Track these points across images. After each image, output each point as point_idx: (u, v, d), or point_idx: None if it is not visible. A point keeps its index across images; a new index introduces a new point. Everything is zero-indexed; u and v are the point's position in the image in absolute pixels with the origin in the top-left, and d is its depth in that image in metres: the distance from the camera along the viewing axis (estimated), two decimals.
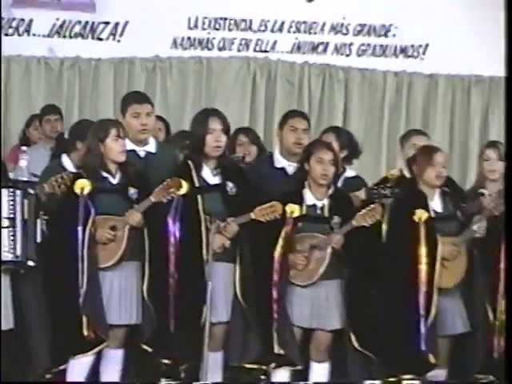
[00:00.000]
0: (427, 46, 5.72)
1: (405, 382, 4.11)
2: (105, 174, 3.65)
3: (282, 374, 3.96)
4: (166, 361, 3.95)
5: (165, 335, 3.67)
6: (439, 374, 4.06)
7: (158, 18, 5.66)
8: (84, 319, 3.45)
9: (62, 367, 3.84)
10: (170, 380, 4.11)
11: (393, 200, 4.15)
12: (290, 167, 4.18)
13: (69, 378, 3.90)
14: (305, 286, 4.07)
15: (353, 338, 4.09)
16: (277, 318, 3.88)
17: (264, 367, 3.97)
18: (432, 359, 4.03)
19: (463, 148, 5.74)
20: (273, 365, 4.02)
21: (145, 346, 3.71)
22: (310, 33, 5.79)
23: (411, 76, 5.80)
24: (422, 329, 3.98)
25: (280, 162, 4.18)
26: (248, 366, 4.10)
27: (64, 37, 5.78)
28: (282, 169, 4.21)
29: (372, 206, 3.99)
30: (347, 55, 5.84)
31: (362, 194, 4.22)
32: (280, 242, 3.91)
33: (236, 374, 4.10)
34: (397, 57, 5.82)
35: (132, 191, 3.62)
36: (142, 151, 3.83)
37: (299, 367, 3.91)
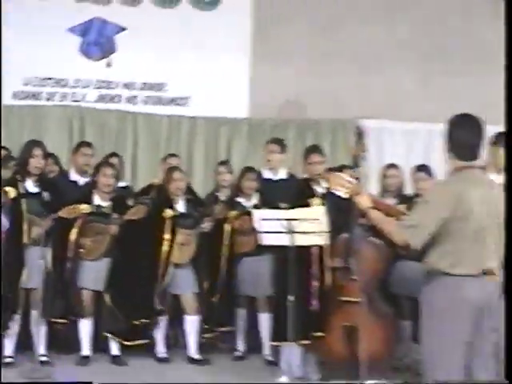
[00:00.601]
0: (189, 97, 7.63)
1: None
2: None
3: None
4: None
5: None
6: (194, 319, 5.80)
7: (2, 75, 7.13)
8: None
9: None
10: None
11: (151, 202, 5.97)
12: (81, 180, 6.01)
13: None
14: (91, 261, 5.70)
15: (107, 297, 5.72)
16: (68, 282, 5.58)
17: None
18: (159, 306, 5.76)
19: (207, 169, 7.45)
20: None
21: None
22: (109, 88, 7.55)
23: (179, 118, 7.62)
24: (157, 288, 5.65)
25: (74, 177, 6.03)
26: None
27: None
28: (75, 181, 6.02)
29: (138, 206, 5.90)
30: (135, 104, 7.64)
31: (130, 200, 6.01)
32: (75, 229, 5.58)
33: None
34: (170, 105, 7.67)
35: None
36: None
37: None
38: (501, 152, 4.60)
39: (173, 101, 7.77)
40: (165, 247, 5.78)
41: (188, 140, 7.64)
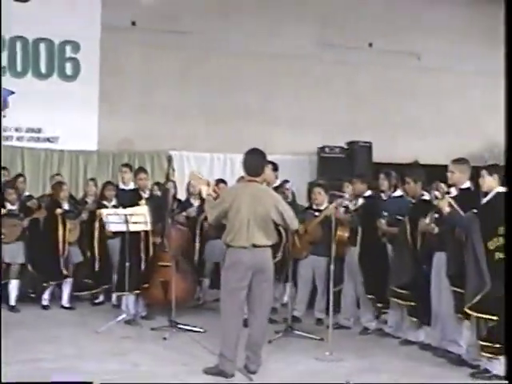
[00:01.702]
0: (59, 137, 11.22)
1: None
2: None
3: None
4: None
5: None
6: None
7: None
8: None
9: None
10: None
11: (47, 204, 9.62)
12: None
13: None
14: (8, 244, 7.96)
15: (29, 267, 8.07)
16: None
17: None
18: (65, 272, 8.08)
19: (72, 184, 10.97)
20: None
21: None
22: (5, 131, 10.90)
23: (52, 151, 11.09)
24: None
25: None
26: None
27: None
28: None
29: (41, 209, 9.58)
30: (22, 141, 10.97)
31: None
32: None
33: None
34: (45, 142, 11.14)
35: None
36: None
37: None
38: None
39: (47, 139, 11.27)
40: (60, 232, 8.15)
41: (58, 165, 11.34)
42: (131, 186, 8.21)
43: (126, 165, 8.87)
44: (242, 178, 6.09)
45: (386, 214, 7.05)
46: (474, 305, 5.68)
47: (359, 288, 7.43)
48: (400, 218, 6.91)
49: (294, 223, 5.73)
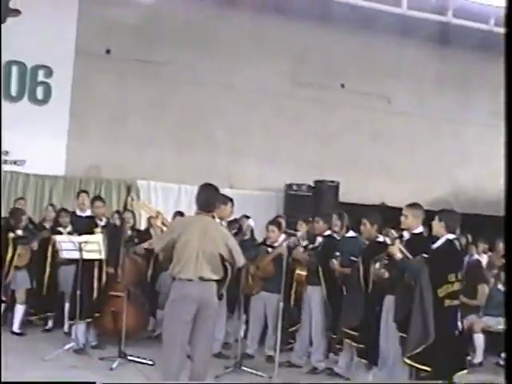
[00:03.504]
0: (25, 160, 11.19)
1: None
2: None
3: None
4: None
5: None
6: None
7: None
8: None
9: None
10: None
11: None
12: None
13: None
14: None
15: None
16: None
17: None
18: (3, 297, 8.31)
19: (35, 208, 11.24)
20: None
21: None
22: None
23: (18, 174, 11.02)
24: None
25: None
26: None
27: None
28: None
29: None
30: None
31: None
32: None
33: None
34: (12, 165, 11.07)
35: None
36: None
37: None
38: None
39: (15, 162, 11.17)
40: (9, 256, 8.01)
41: (23, 189, 11.29)
42: (88, 212, 8.09)
43: (84, 191, 8.81)
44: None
45: (338, 254, 7.07)
46: (413, 355, 5.66)
47: (315, 328, 7.38)
48: (354, 258, 6.92)
49: (241, 259, 5.73)
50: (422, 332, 5.59)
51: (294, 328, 7.66)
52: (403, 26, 12.39)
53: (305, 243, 7.52)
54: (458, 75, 14.06)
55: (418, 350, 5.60)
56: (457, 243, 5.92)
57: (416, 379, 5.69)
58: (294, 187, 12.25)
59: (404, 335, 5.94)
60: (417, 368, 5.72)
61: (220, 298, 5.49)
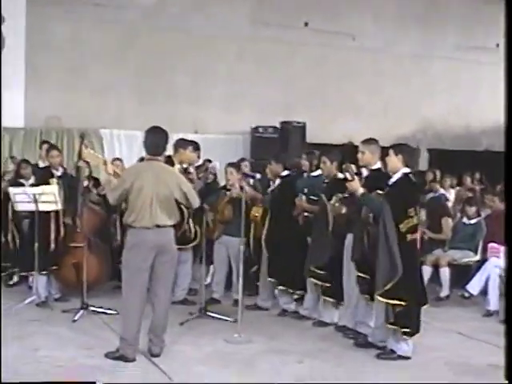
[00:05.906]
0: None
1: None
2: None
3: None
4: None
5: None
6: None
7: None
8: None
9: None
10: None
11: None
12: None
13: None
14: None
15: None
16: None
17: None
18: None
19: None
20: None
21: None
22: None
23: None
24: None
25: None
26: None
27: None
28: None
29: None
30: None
31: None
32: None
33: None
34: None
35: None
36: None
37: None
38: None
39: None
40: None
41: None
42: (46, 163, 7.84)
43: (46, 141, 8.65)
44: (142, 159, 5.90)
45: (306, 190, 6.97)
46: (384, 292, 5.60)
47: None
48: (313, 197, 6.83)
49: (196, 201, 5.62)
50: (389, 268, 5.54)
51: (253, 269, 7.55)
52: None
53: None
54: (422, 12, 13.88)
55: (388, 287, 5.55)
56: (412, 177, 5.81)
57: (393, 315, 5.67)
58: (260, 129, 12.14)
59: (362, 275, 5.92)
60: (392, 304, 5.65)
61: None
